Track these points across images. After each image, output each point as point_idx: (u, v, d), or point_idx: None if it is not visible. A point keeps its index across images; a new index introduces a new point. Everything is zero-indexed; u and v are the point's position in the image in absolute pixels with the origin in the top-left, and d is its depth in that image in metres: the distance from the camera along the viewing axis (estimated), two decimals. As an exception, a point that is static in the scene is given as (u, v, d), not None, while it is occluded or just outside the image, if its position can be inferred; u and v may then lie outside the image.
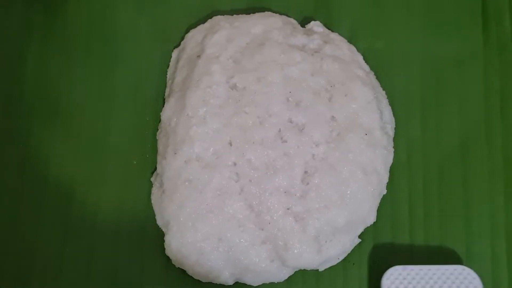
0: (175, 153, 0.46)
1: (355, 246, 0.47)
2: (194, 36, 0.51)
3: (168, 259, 0.47)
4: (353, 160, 0.45)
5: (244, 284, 0.46)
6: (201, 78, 0.47)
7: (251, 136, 0.45)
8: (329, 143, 0.46)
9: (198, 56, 0.49)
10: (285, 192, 0.44)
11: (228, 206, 0.44)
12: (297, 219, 0.44)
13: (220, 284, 0.46)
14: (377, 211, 0.47)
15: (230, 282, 0.46)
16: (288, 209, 0.44)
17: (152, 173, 0.50)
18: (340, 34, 0.52)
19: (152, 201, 0.48)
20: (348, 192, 0.45)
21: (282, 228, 0.44)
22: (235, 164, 0.45)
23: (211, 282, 0.46)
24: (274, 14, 0.51)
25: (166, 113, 0.48)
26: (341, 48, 0.50)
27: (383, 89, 0.51)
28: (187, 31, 0.52)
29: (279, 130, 0.46)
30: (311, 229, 0.44)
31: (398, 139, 0.50)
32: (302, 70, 0.47)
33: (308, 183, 0.45)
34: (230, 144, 0.45)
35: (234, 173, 0.45)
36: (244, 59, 0.48)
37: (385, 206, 0.48)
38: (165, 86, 0.52)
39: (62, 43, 0.53)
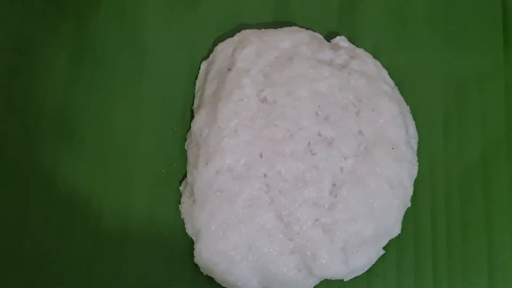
0: (206, 164, 0.47)
1: (379, 258, 0.48)
2: (223, 50, 0.51)
3: (195, 266, 0.47)
4: (380, 174, 0.46)
5: (271, 293, 0.47)
6: (232, 91, 0.48)
7: (281, 149, 0.46)
8: (357, 156, 0.47)
9: (229, 69, 0.50)
10: (314, 204, 0.45)
11: (258, 216, 0.45)
12: (325, 230, 0.45)
13: (247, 292, 0.47)
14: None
15: (258, 290, 0.46)
16: (316, 220, 0.45)
17: (180, 182, 0.51)
18: (364, 49, 0.52)
19: (182, 210, 0.49)
20: (375, 204, 0.46)
21: (310, 238, 0.45)
22: (265, 175, 0.46)
23: (238, 290, 0.47)
24: (301, 29, 0.52)
25: (197, 124, 0.49)
26: (367, 63, 0.51)
27: (406, 104, 0.52)
28: (214, 44, 0.53)
29: (309, 143, 0.46)
30: (338, 240, 0.45)
31: (420, 153, 0.50)
32: (330, 85, 0.48)
33: (336, 195, 0.46)
34: (261, 156, 0.46)
35: (265, 184, 0.46)
36: (273, 73, 0.49)
37: (408, 218, 0.49)
38: (193, 97, 0.52)
39: (92, 54, 0.54)
